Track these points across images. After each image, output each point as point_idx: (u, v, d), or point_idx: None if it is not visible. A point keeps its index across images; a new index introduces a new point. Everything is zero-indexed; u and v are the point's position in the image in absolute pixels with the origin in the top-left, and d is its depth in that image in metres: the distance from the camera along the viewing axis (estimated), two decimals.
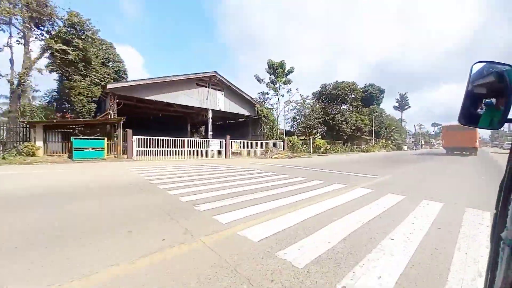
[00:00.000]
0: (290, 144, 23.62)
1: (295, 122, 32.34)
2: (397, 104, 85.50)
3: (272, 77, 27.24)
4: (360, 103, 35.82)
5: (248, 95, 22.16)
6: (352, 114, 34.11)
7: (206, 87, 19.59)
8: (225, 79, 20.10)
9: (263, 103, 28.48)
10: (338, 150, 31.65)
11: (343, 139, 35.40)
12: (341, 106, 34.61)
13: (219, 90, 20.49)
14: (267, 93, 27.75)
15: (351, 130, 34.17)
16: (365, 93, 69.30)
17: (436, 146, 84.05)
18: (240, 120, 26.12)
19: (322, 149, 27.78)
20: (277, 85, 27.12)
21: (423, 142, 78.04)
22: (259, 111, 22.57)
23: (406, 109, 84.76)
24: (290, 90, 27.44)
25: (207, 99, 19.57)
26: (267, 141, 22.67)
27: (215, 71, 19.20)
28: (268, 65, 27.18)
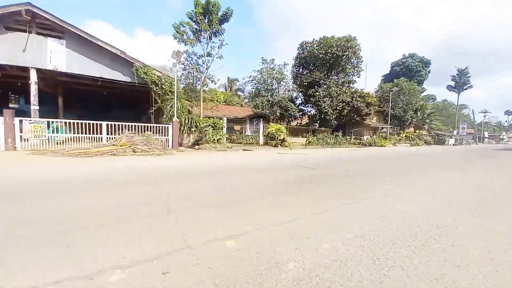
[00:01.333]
0: (191, 129, 14.65)
1: (257, 100, 22.48)
2: (452, 83, 64.46)
3: (204, 25, 17.60)
4: (361, 69, 23.22)
5: (121, 50, 13.57)
6: (344, 87, 22.18)
7: (25, 31, 11.75)
8: (58, 18, 11.88)
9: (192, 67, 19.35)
10: (314, 143, 20.95)
11: (331, 126, 24.07)
12: (332, 76, 22.90)
13: (55, 37, 12.43)
14: (192, 53, 18.28)
15: (342, 111, 22.60)
16: (401, 66, 52.49)
17: (506, 140, 61.50)
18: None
19: (276, 140, 17.84)
20: (204, 37, 17.50)
21: (486, 135, 57.37)
22: (142, 75, 13.88)
23: (465, 89, 63.33)
24: (221, 45, 17.54)
25: (24, 51, 11.77)
26: (161, 124, 14.10)
27: (28, 2, 11.10)
28: (194, 5, 17.46)
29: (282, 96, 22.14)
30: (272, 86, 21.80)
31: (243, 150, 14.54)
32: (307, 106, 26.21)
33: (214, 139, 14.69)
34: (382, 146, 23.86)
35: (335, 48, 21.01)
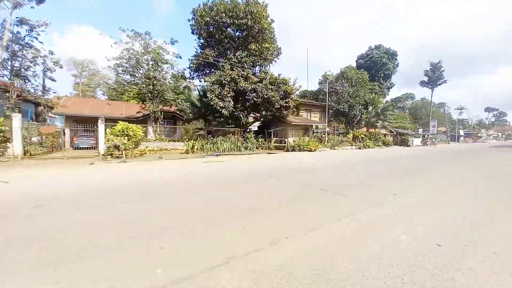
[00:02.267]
0: None
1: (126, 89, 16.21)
2: (425, 79, 60.11)
3: None
4: (270, 44, 17.16)
5: None
6: (245, 71, 16.02)
7: None
8: None
9: None
10: (199, 149, 14.86)
11: (243, 124, 18.10)
12: (229, 56, 16.75)
13: None
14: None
15: (254, 104, 16.62)
16: (365, 59, 47.44)
17: (484, 139, 57.38)
18: None
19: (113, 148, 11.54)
20: None
21: (462, 133, 52.95)
22: None
23: (439, 84, 59.01)
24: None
25: None
26: None
27: None
28: None
29: (165, 83, 15.88)
30: (153, 70, 15.49)
31: None
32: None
33: None
34: (311, 150, 17.93)
35: (225, 14, 14.92)
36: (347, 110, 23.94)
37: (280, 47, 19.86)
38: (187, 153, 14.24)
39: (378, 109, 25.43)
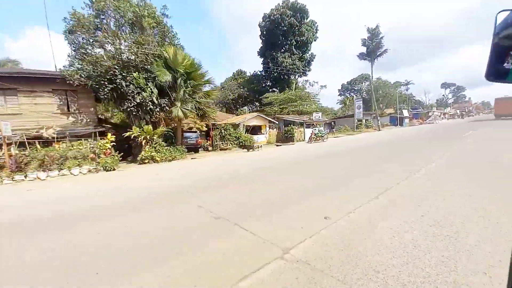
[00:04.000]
0: None
1: None
2: (364, 50, 48.99)
3: None
4: None
5: None
6: None
7: None
8: None
9: None
10: None
11: None
12: None
13: None
14: None
15: None
16: (266, 20, 34.54)
17: (432, 119, 47.71)
18: None
19: None
20: None
21: (406, 114, 42.58)
22: None
23: (379, 55, 48.15)
24: None
25: None
26: None
27: None
28: None
29: None
30: None
31: None
32: None
33: None
34: None
35: None
36: (96, 85, 10.85)
37: None
38: None
39: (183, 80, 12.59)
